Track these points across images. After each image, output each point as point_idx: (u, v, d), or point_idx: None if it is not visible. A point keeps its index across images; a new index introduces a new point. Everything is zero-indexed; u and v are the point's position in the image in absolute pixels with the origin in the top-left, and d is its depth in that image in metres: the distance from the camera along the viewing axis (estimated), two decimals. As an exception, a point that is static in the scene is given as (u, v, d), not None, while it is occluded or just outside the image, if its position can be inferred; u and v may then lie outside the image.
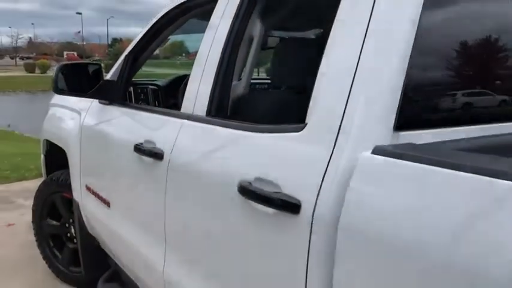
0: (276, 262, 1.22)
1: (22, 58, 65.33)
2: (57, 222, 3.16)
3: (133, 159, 1.94)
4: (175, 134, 1.72)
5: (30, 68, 45.45)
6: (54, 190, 3.10)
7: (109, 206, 2.28)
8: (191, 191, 1.60)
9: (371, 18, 1.13)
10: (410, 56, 1.08)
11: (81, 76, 2.40)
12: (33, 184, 5.69)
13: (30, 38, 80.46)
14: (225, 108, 1.67)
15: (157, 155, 1.75)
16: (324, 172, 1.09)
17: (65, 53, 70.37)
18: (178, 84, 2.42)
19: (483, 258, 0.77)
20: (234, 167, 1.36)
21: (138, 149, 1.88)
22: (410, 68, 1.08)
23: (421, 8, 1.09)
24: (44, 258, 3.27)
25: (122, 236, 2.19)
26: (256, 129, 1.39)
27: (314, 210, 1.08)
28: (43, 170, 3.41)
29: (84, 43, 76.60)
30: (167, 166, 1.71)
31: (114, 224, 2.25)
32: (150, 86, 2.86)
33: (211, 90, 1.65)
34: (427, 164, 0.91)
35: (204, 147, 1.58)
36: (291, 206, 1.13)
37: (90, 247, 2.74)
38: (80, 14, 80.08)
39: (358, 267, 0.99)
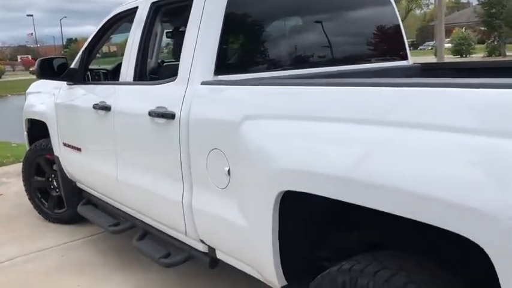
0: (168, 147, 2.42)
1: (-27, 65, 63.56)
2: (42, 178, 4.30)
3: (93, 114, 3.11)
4: (116, 93, 2.91)
5: (-17, 74, 44.57)
6: (39, 154, 4.22)
7: (80, 151, 3.45)
8: (126, 124, 2.80)
9: (201, 19, 2.34)
10: (220, 37, 2.30)
11: (53, 66, 3.52)
12: (12, 168, 6.74)
13: (-21, 43, 78.27)
14: (144, 75, 2.88)
15: (107, 108, 2.94)
16: (183, 97, 2.31)
17: (18, 57, 68.75)
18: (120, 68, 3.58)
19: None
20: (145, 104, 2.56)
21: (95, 106, 3.05)
22: (220, 44, 2.31)
23: (225, 9, 2.30)
24: (35, 207, 4.40)
25: (90, 168, 3.36)
26: (157, 83, 2.62)
27: (180, 116, 2.30)
28: (26, 142, 4.50)
29: (38, 45, 75.16)
30: (113, 114, 2.90)
31: (85, 162, 3.42)
32: (102, 70, 4.02)
33: (135, 65, 2.85)
34: (217, 85, 2.16)
35: (131, 97, 2.79)
36: (171, 116, 2.34)
37: (70, 188, 3.89)
38: (31, 15, 78.74)
39: (197, 137, 2.22)
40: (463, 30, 37.93)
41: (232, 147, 2.01)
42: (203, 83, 2.26)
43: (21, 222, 4.36)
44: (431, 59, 20.86)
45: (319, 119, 1.64)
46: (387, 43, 3.20)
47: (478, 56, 33.99)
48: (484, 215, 1.15)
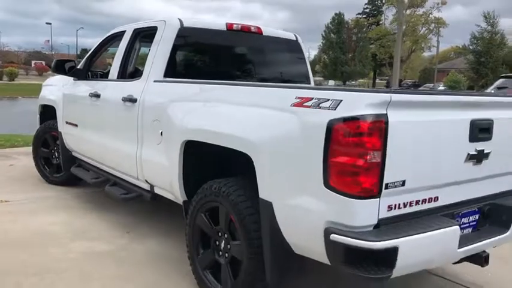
0: (131, 121, 3.81)
1: (-12, 66, 65.27)
2: (47, 150, 5.70)
3: (88, 100, 4.53)
4: (105, 86, 4.34)
5: (-3, 76, 46.06)
6: (46, 131, 5.63)
7: (77, 126, 4.86)
8: (108, 106, 4.21)
9: (159, 43, 3.77)
10: (169, 54, 3.73)
11: (65, 66, 4.96)
12: (22, 149, 8.14)
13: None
14: (125, 75, 4.30)
15: (98, 96, 4.36)
16: (142, 89, 3.73)
17: (32, 62, 70.72)
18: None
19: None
20: (121, 93, 3.96)
21: (90, 95, 4.48)
22: (169, 58, 3.73)
23: (174, 39, 3.74)
24: (39, 171, 5.80)
25: (83, 139, 4.76)
26: (129, 80, 4.05)
27: (139, 101, 3.71)
28: (38, 122, 5.92)
29: (53, 52, 77.58)
30: (101, 99, 4.32)
31: (80, 135, 4.82)
32: (99, 72, 5.47)
33: (119, 69, 4.28)
34: (167, 82, 3.59)
35: (113, 90, 4.21)
36: (134, 100, 3.76)
37: (67, 156, 5.28)
38: (50, 24, 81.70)
39: (147, 113, 3.62)
40: (459, 74, 39.77)
41: (164, 118, 3.40)
42: (154, 81, 3.67)
43: (26, 182, 5.73)
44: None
45: (201, 101, 3.07)
46: (295, 75, 4.64)
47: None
48: (248, 141, 2.56)
